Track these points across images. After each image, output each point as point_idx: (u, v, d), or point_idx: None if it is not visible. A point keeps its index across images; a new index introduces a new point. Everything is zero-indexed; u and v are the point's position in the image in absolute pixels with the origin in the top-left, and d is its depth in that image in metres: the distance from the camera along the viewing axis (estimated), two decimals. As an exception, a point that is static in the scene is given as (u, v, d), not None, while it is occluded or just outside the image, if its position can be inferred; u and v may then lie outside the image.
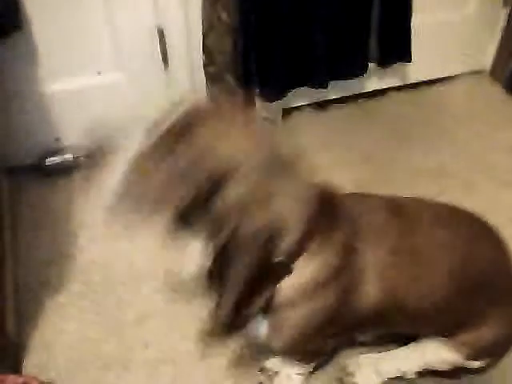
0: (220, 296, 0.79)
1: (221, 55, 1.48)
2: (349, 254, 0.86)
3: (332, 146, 1.71)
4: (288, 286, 0.83)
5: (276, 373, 1.12)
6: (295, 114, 1.83)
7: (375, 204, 0.94)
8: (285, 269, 0.81)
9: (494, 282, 0.96)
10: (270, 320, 0.88)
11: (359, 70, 1.70)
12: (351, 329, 0.98)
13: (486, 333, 0.97)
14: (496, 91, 1.96)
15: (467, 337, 0.98)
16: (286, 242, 0.79)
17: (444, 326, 1.00)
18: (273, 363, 1.14)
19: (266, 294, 0.81)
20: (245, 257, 0.74)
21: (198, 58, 1.54)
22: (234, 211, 0.73)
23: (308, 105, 1.85)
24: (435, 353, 1.04)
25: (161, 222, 0.77)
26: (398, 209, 0.94)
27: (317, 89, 1.66)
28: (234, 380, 1.15)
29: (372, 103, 1.89)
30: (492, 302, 0.97)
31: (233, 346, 1.20)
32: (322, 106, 1.86)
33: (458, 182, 1.60)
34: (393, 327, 1.04)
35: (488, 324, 0.97)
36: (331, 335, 0.95)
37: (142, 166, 0.74)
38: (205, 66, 1.54)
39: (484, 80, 2.01)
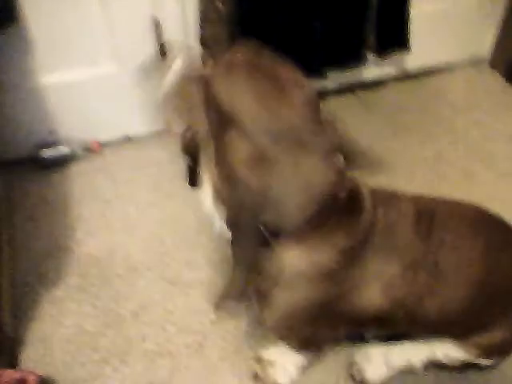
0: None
1: (217, 46, 1.46)
2: (350, 259, 0.82)
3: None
4: (280, 268, 0.81)
5: (271, 363, 1.12)
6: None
7: (402, 208, 0.88)
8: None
9: None
10: (263, 297, 0.88)
11: (357, 60, 1.68)
12: (350, 326, 0.97)
13: (498, 334, 0.96)
14: (495, 80, 1.95)
15: (479, 339, 0.97)
16: (275, 222, 0.77)
17: (456, 332, 0.98)
18: (269, 353, 1.13)
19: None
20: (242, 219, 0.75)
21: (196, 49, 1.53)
22: (233, 161, 0.72)
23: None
24: (445, 350, 1.04)
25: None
26: (425, 216, 0.88)
27: (314, 78, 1.65)
28: (230, 371, 1.15)
29: (370, 94, 1.88)
30: (508, 307, 0.95)
31: (230, 334, 1.20)
32: (319, 96, 1.83)
33: (456, 170, 1.59)
34: (400, 331, 1.03)
35: (502, 327, 0.95)
36: (325, 328, 0.94)
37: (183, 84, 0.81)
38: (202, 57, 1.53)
39: (483, 69, 1.99)
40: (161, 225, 1.44)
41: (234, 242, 0.79)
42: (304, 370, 1.12)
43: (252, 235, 0.77)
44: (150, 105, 0.88)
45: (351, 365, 1.14)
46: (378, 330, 1.00)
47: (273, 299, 0.87)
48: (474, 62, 2.00)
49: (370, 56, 1.72)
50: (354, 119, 1.77)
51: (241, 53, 0.78)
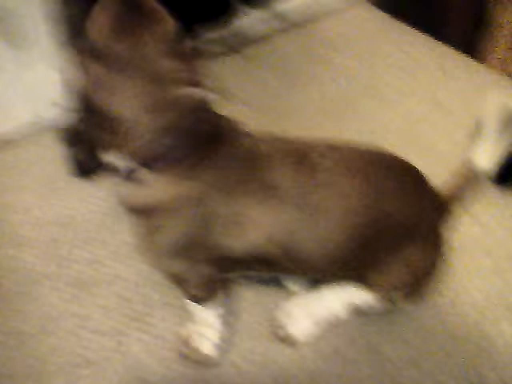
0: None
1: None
2: (214, 191, 0.84)
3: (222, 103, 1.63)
4: (141, 196, 0.85)
5: (192, 337, 1.08)
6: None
7: (274, 145, 0.89)
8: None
9: (405, 222, 0.93)
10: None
11: (221, 11, 1.61)
12: (231, 264, 0.94)
13: (397, 272, 0.96)
14: (375, 16, 1.96)
15: (381, 278, 0.97)
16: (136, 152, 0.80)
17: (348, 272, 0.98)
18: (186, 329, 1.10)
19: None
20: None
21: None
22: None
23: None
24: (361, 295, 1.04)
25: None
26: (302, 156, 0.89)
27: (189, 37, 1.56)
28: (156, 361, 1.10)
29: (256, 50, 1.82)
30: (395, 245, 0.95)
31: (149, 325, 1.14)
32: (200, 54, 1.75)
33: (344, 105, 1.59)
34: (288, 272, 1.02)
35: (395, 264, 0.96)
36: (203, 263, 0.92)
37: None
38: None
39: (362, 6, 1.99)
40: (54, 227, 1.32)
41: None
42: (226, 335, 1.11)
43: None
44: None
45: (272, 322, 1.13)
46: (264, 269, 0.98)
47: (143, 229, 0.90)
48: (353, 2, 2.00)
49: (251, 11, 1.66)
50: (244, 80, 1.72)
51: None
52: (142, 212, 0.88)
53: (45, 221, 1.33)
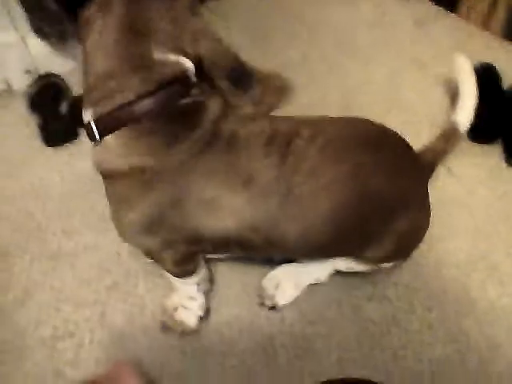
0: None
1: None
2: (180, 168, 0.79)
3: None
4: (107, 160, 0.81)
5: (175, 309, 1.07)
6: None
7: (255, 129, 0.84)
8: None
9: (393, 197, 0.89)
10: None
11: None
12: (208, 244, 0.89)
13: (388, 245, 0.93)
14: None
15: (371, 253, 0.95)
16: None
17: (338, 253, 0.97)
18: (170, 300, 1.09)
19: None
20: None
21: None
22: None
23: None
24: (347, 264, 1.03)
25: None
26: (280, 139, 0.83)
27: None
28: (140, 332, 1.09)
29: (223, 5, 1.75)
30: (394, 216, 0.90)
31: (130, 294, 1.12)
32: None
33: (323, 65, 1.55)
34: (266, 254, 0.99)
35: (383, 243, 0.93)
36: (179, 242, 0.88)
37: None
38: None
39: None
40: (25, 198, 1.28)
41: None
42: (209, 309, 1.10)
43: None
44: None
45: (260, 292, 1.12)
46: (243, 251, 0.94)
47: (112, 198, 0.87)
48: None
49: None
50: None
51: None
52: (109, 178, 0.84)
53: (18, 193, 1.29)
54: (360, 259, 0.99)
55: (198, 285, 1.04)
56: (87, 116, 0.80)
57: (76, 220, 1.24)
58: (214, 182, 0.80)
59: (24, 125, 1.40)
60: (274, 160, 0.81)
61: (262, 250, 0.91)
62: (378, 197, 0.86)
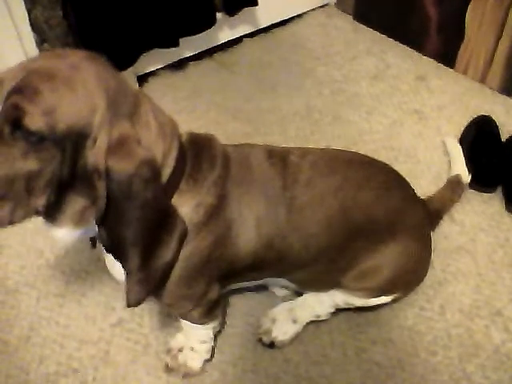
0: (125, 260, 0.73)
1: (52, 30, 1.32)
2: (223, 197, 0.83)
3: (196, 106, 1.64)
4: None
5: (181, 349, 1.07)
6: (151, 79, 1.73)
7: (257, 154, 0.91)
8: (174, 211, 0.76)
9: (383, 219, 0.95)
10: None
11: (207, 22, 1.62)
12: (231, 274, 0.93)
13: (380, 274, 0.97)
14: (346, 21, 1.98)
15: (364, 283, 0.99)
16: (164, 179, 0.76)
17: (327, 271, 0.99)
18: (176, 341, 1.08)
19: (171, 244, 0.75)
20: (132, 209, 0.69)
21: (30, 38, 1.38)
22: (102, 162, 0.66)
23: (163, 68, 1.75)
24: (343, 298, 1.05)
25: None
26: (281, 159, 0.90)
27: (167, 48, 1.57)
28: (144, 371, 1.08)
29: (228, 55, 1.83)
30: (381, 241, 0.96)
31: (135, 333, 1.12)
32: (177, 66, 1.76)
33: (326, 117, 1.61)
34: (270, 274, 1.01)
35: (382, 264, 0.97)
36: (210, 279, 0.90)
37: None
38: (39, 45, 1.39)
39: (332, 12, 2.02)
40: (35, 235, 1.30)
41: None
42: (214, 348, 1.09)
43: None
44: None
45: (257, 327, 1.13)
46: (257, 275, 0.98)
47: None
48: (322, 7, 2.03)
49: (222, 16, 1.67)
50: (216, 83, 1.73)
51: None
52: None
53: (29, 230, 1.31)
54: (356, 290, 1.01)
55: (214, 328, 1.04)
56: None
57: (84, 258, 1.26)
58: (240, 199, 0.85)
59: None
60: (278, 169, 0.89)
61: (273, 266, 0.94)
62: (365, 212, 0.92)
